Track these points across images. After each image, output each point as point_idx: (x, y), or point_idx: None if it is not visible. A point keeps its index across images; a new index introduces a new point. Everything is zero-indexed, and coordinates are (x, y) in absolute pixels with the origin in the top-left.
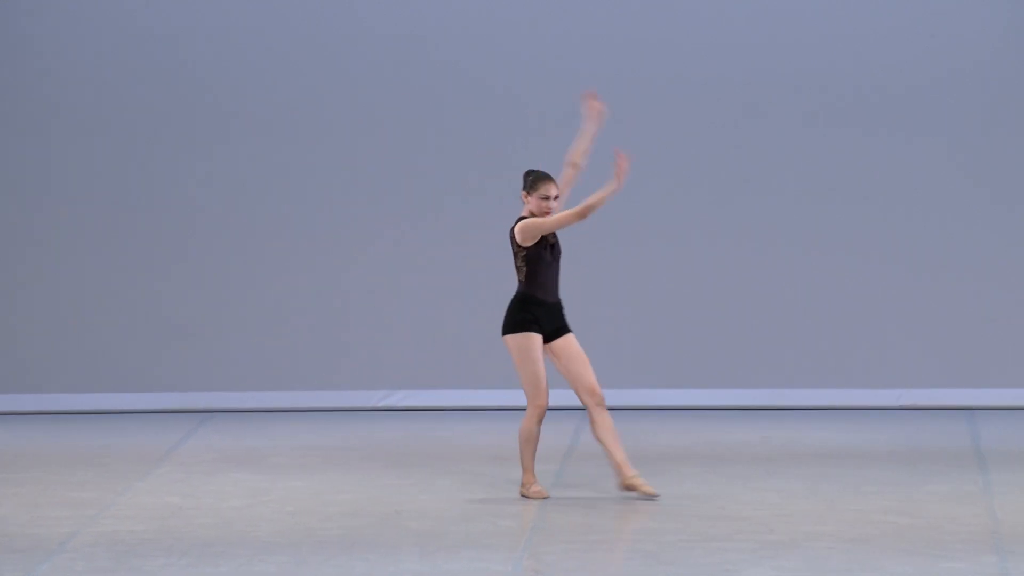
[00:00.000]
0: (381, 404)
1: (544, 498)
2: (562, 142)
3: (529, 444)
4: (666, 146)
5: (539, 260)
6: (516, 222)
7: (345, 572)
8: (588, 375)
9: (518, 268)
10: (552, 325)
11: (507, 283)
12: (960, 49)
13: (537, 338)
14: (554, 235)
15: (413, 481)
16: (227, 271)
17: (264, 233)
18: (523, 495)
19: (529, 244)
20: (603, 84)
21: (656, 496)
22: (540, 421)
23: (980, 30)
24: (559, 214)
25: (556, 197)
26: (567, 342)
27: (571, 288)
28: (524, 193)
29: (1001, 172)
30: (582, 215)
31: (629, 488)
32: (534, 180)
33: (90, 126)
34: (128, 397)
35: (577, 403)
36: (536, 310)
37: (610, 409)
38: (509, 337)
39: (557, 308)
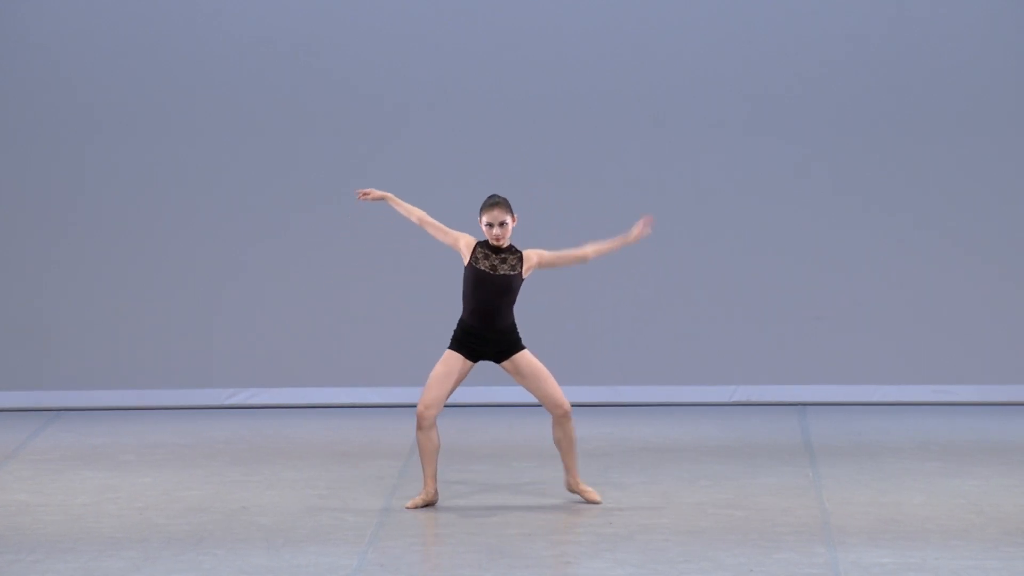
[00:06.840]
0: (228, 402)
1: (419, 506)
2: (426, 142)
3: (417, 448)
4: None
5: (468, 282)
6: None
7: (193, 567)
8: (552, 390)
9: None
10: (494, 349)
11: (357, 287)
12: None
13: (454, 356)
14: (501, 266)
15: (260, 477)
16: (74, 269)
17: (110, 229)
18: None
19: (466, 259)
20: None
21: (598, 503)
22: (418, 427)
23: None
24: (560, 252)
25: (501, 224)
26: (524, 360)
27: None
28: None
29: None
30: (583, 259)
31: (573, 491)
32: (484, 205)
33: None
34: None
35: (410, 400)
36: (468, 336)
37: (450, 406)
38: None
39: (494, 337)
